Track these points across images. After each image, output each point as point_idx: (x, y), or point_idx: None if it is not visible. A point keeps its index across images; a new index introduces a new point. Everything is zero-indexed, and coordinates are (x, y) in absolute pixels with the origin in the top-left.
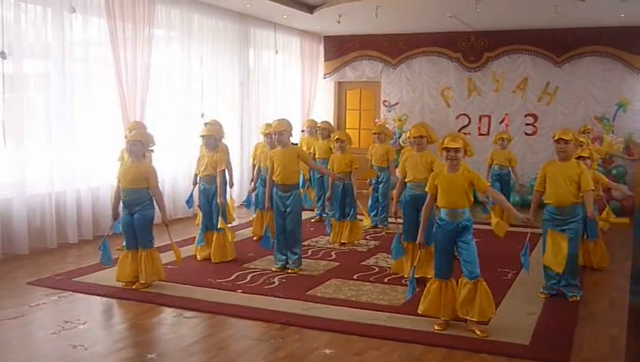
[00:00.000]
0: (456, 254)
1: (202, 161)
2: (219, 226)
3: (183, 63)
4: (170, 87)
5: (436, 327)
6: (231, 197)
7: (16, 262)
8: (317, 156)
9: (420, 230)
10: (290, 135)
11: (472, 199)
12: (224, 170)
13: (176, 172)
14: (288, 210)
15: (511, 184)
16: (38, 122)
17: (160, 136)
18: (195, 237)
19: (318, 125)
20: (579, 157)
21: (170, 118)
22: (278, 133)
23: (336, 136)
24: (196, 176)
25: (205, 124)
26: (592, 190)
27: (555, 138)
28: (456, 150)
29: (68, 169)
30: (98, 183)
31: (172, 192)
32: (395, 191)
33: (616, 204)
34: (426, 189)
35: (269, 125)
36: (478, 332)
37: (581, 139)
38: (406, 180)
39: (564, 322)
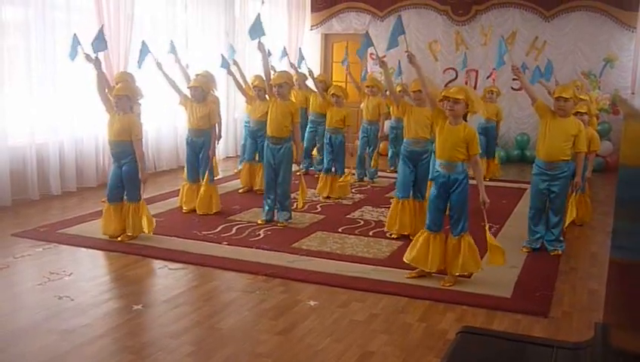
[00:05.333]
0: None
1: (192, 112)
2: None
3: (167, 12)
4: (155, 37)
5: (407, 276)
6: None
7: None
8: (311, 110)
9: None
10: (291, 87)
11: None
12: (216, 124)
13: (160, 124)
14: (278, 162)
15: (496, 138)
16: (18, 72)
17: (143, 88)
18: (179, 190)
19: (316, 77)
20: (575, 113)
21: (154, 69)
22: (277, 86)
23: (332, 92)
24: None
25: (197, 75)
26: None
27: (555, 95)
28: (455, 101)
29: (50, 120)
30: (82, 135)
31: (156, 144)
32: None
33: (600, 160)
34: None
35: (257, 77)
36: (442, 283)
37: (583, 97)
38: (405, 137)
39: (545, 275)
